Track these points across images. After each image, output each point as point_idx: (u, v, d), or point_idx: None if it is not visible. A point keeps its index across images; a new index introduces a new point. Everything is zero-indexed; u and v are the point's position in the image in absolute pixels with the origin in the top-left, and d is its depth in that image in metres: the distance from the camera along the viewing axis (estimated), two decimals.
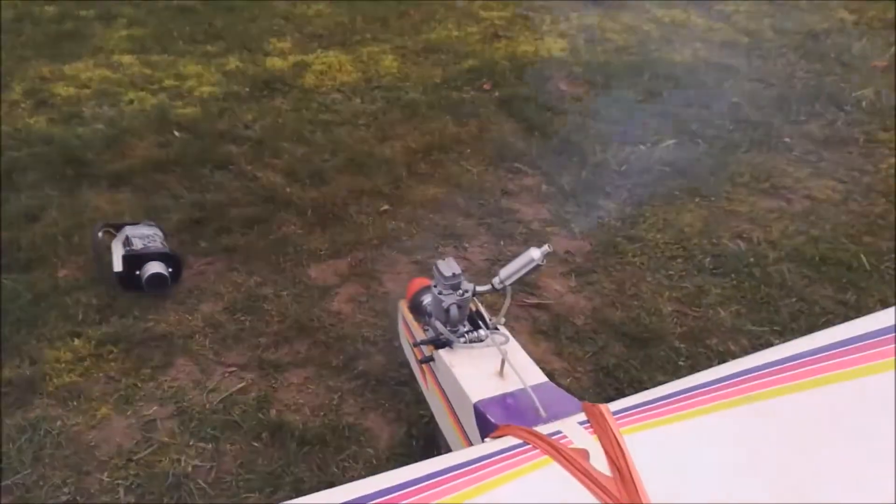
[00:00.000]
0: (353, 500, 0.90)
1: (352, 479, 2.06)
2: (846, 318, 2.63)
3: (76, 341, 2.48)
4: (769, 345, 2.55)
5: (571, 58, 4.95)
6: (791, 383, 1.06)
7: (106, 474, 2.05)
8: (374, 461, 2.12)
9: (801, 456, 0.95)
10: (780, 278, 2.90)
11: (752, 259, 3.00)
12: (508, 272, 1.61)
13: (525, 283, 2.77)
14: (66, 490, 2.00)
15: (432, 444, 2.06)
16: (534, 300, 2.77)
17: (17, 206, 3.13)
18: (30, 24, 5.08)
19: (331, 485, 2.06)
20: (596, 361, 2.50)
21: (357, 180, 3.47)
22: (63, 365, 2.39)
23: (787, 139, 4.02)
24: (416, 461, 1.00)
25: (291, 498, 1.98)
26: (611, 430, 0.98)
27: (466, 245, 3.08)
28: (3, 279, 2.70)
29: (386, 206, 3.30)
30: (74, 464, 2.08)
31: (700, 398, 1.06)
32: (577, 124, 4.06)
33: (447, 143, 3.83)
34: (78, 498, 1.99)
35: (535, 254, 1.56)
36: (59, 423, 2.19)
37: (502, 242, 3.10)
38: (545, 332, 2.63)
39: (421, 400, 2.26)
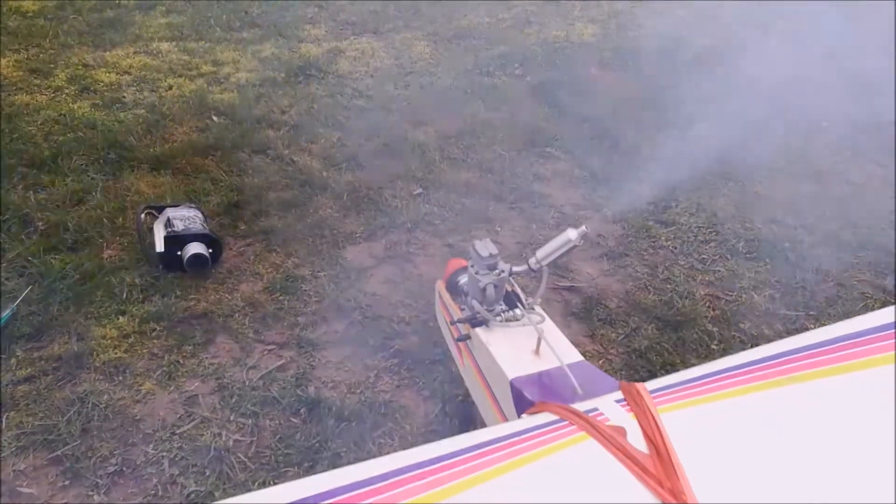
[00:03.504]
0: (390, 471, 0.91)
1: (388, 454, 2.10)
2: (885, 304, 2.62)
3: (121, 319, 2.55)
4: (804, 329, 2.56)
5: (603, 43, 4.91)
6: (828, 367, 1.06)
7: (151, 447, 2.12)
8: (410, 437, 2.16)
9: (824, 439, 0.95)
10: (817, 263, 2.87)
11: (787, 243, 2.98)
12: (545, 252, 1.62)
13: (557, 266, 2.79)
14: (113, 461, 2.08)
15: (467, 421, 2.09)
16: (566, 283, 2.78)
17: (63, 190, 3.22)
18: (72, 13, 5.18)
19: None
20: (628, 344, 2.51)
21: (391, 164, 3.51)
22: (109, 341, 2.47)
23: (824, 123, 3.95)
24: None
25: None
26: (648, 408, 0.98)
27: (498, 228, 3.10)
28: (53, 259, 2.79)
29: (419, 190, 3.33)
30: (121, 436, 2.15)
31: (736, 379, 1.06)
32: (608, 109, 4.04)
33: (479, 127, 3.85)
34: (125, 469, 2.06)
35: (571, 234, 1.56)
36: (105, 396, 2.27)
37: (534, 226, 3.11)
38: (577, 314, 2.64)
39: (455, 378, 2.30)
